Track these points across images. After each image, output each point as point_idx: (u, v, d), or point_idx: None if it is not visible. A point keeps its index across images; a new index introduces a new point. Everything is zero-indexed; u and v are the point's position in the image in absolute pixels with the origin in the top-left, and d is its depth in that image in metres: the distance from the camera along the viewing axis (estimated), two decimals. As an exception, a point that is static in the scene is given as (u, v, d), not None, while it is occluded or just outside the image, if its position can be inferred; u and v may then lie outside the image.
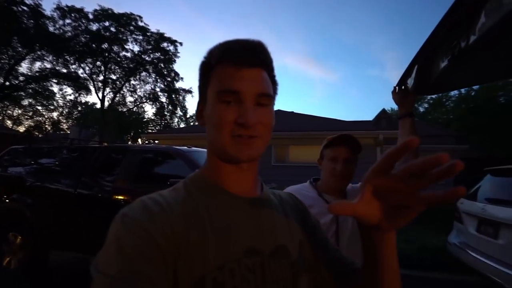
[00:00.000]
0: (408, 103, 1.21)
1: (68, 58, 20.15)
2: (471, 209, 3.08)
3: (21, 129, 23.19)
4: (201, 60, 0.50)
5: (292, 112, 12.71)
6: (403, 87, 1.21)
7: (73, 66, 20.82)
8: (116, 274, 0.36)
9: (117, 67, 22.88)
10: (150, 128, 28.33)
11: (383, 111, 16.37)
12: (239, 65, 0.45)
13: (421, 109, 31.86)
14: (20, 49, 17.87)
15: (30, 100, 22.04)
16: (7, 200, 3.44)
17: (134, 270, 0.36)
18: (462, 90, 25.66)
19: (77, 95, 23.14)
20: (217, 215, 0.45)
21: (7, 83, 18.25)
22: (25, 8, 17.38)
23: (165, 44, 23.13)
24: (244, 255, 0.44)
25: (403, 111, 1.22)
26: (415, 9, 63.97)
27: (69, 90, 22.85)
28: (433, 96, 26.06)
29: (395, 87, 1.24)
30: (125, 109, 25.43)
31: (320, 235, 0.57)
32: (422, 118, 28.32)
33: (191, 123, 34.74)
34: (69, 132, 23.41)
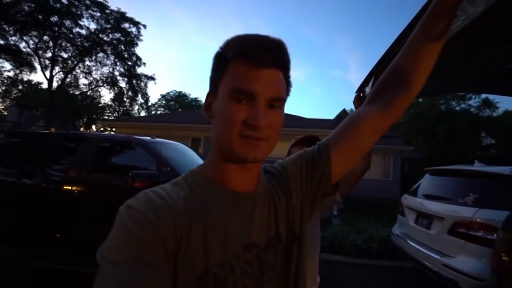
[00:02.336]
0: None
1: (7, 28, 17.49)
2: (412, 204, 3.50)
3: None
4: (216, 50, 0.48)
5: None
6: (361, 95, 1.32)
7: (13, 38, 18.17)
8: (122, 261, 0.37)
9: (69, 45, 20.50)
10: (106, 114, 26.18)
11: (343, 111, 17.34)
12: (258, 64, 0.43)
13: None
14: None
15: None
16: None
17: (139, 257, 0.38)
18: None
19: (17, 71, 20.29)
20: (217, 212, 0.46)
21: None
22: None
23: (126, 25, 21.37)
24: (243, 250, 0.46)
25: None
26: (382, 14, 68.54)
27: (7, 65, 19.85)
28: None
29: (355, 93, 1.35)
30: (77, 92, 23.09)
31: (326, 168, 0.58)
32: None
33: (153, 112, 32.94)
34: (5, 113, 20.51)
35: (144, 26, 22.12)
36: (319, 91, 79.80)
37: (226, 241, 0.45)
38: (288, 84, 0.49)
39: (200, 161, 3.49)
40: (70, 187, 2.77)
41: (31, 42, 19.01)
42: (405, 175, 12.34)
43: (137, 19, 21.81)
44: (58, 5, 18.89)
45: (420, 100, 26.37)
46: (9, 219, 2.82)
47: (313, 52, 75.33)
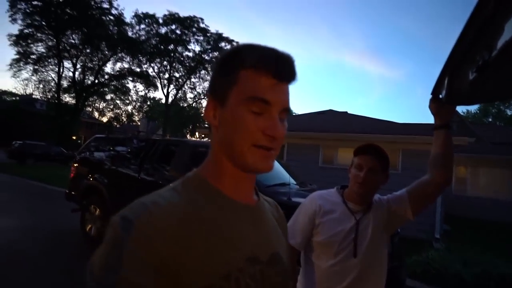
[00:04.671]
0: (444, 114, 1.11)
1: (141, 59, 23.16)
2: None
3: (105, 119, 27.55)
4: (221, 56, 0.48)
5: (345, 112, 12.13)
6: (438, 97, 1.14)
7: (145, 66, 23.92)
8: (114, 285, 0.35)
9: (180, 66, 25.27)
10: (206, 123, 30.36)
11: (455, 113, 14.23)
12: (277, 78, 0.44)
13: (509, 112, 26.59)
14: (106, 52, 21.30)
15: (112, 95, 26.01)
16: (91, 179, 4.25)
17: (133, 280, 0.35)
18: None
19: (147, 91, 26.40)
20: (219, 222, 0.45)
21: (96, 81, 21.96)
22: (111, 17, 20.66)
23: (223, 44, 24.53)
24: (245, 264, 0.44)
25: (438, 122, 1.11)
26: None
27: (140, 87, 26.27)
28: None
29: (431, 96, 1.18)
30: (185, 105, 27.86)
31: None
32: (509, 123, 23.61)
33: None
34: (139, 123, 26.80)
35: (237, 42, 24.70)
36: (421, 91, 67.87)
37: (229, 251, 0.43)
38: None
39: (280, 168, 3.65)
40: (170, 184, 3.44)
41: (155, 67, 24.50)
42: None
43: (232, 37, 24.76)
44: (173, 35, 23.66)
45: None
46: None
47: (414, 47, 64.94)
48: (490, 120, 26.29)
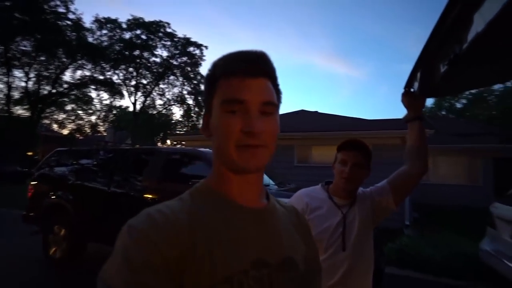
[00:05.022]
0: (417, 106, 1.18)
1: (104, 66, 21.82)
2: (506, 214, 2.86)
3: (65, 132, 25.49)
4: (206, 73, 0.51)
5: (316, 111, 12.52)
6: (411, 90, 1.19)
7: (109, 73, 22.53)
8: (122, 287, 0.37)
9: (147, 72, 24.27)
10: (178, 129, 29.54)
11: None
12: (244, 76, 0.45)
13: (459, 105, 29.43)
14: (64, 59, 19.73)
15: (73, 105, 24.15)
16: (53, 196, 3.88)
17: (140, 282, 0.37)
18: (508, 83, 23.32)
19: (112, 99, 24.94)
20: (223, 226, 0.45)
21: (54, 91, 20.24)
22: (68, 22, 19.22)
23: (191, 48, 24.07)
24: (251, 267, 0.44)
25: (411, 114, 1.17)
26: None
27: (105, 95, 24.69)
28: (473, 91, 23.96)
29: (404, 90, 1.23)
30: (155, 112, 26.82)
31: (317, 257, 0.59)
32: (460, 115, 26.14)
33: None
34: (105, 134, 25.25)
35: (206, 47, 24.37)
36: (385, 89, 72.70)
37: (233, 255, 0.43)
38: (278, 92, 0.51)
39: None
40: (144, 194, 3.26)
41: (120, 74, 23.24)
42: (501, 179, 10.01)
43: (200, 41, 24.36)
44: (139, 41, 22.68)
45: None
46: (101, 222, 3.46)
47: (376, 48, 69.49)
48: (444, 113, 28.83)
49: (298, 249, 0.52)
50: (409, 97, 1.18)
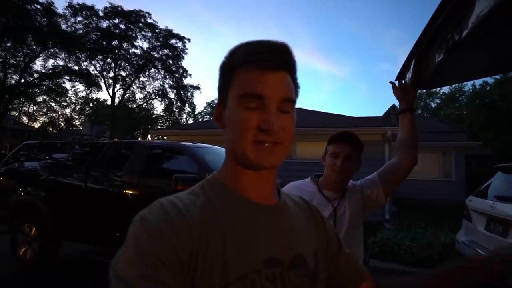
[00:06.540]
0: (408, 98, 1.18)
1: (80, 56, 20.60)
2: (480, 207, 3.02)
3: (36, 125, 23.92)
4: (222, 60, 0.48)
5: (300, 108, 12.65)
6: (403, 81, 1.19)
7: (85, 63, 21.32)
8: (135, 280, 0.36)
9: (126, 64, 23.22)
10: (159, 124, 28.73)
11: (393, 106, 16.01)
12: (264, 69, 0.43)
13: (433, 105, 31.09)
14: (34, 47, 18.38)
15: (45, 97, 22.68)
16: (22, 193, 3.59)
17: (153, 276, 0.36)
18: (477, 85, 24.76)
19: (88, 91, 23.68)
20: (236, 223, 0.44)
21: (22, 80, 18.85)
22: (38, 6, 17.82)
23: (173, 41, 23.31)
24: (264, 266, 0.43)
25: (403, 106, 1.19)
26: None
27: (81, 87, 23.42)
28: (446, 91, 25.35)
29: (394, 81, 1.22)
30: (135, 106, 25.84)
31: (333, 245, 0.57)
32: (434, 114, 27.60)
33: (199, 119, 35.00)
34: (81, 128, 24.01)
35: (189, 40, 23.70)
36: (365, 87, 74.89)
37: (246, 253, 0.42)
38: (296, 86, 0.49)
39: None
40: (124, 190, 3.09)
41: (97, 65, 22.07)
42: (471, 174, 10.71)
43: (182, 34, 23.60)
44: (117, 30, 21.60)
45: (488, 88, 22.77)
46: (76, 219, 3.26)
47: (357, 47, 71.23)
48: (420, 112, 30.31)
49: (308, 246, 0.51)
50: (401, 89, 1.19)
